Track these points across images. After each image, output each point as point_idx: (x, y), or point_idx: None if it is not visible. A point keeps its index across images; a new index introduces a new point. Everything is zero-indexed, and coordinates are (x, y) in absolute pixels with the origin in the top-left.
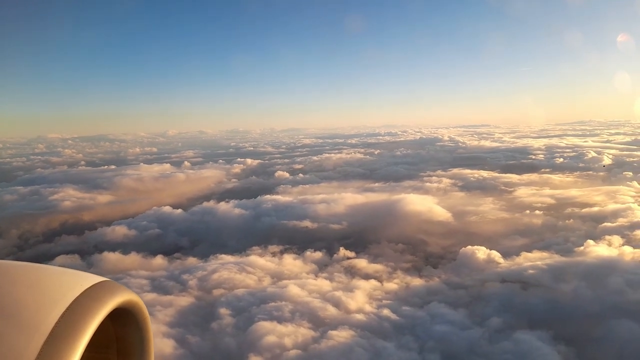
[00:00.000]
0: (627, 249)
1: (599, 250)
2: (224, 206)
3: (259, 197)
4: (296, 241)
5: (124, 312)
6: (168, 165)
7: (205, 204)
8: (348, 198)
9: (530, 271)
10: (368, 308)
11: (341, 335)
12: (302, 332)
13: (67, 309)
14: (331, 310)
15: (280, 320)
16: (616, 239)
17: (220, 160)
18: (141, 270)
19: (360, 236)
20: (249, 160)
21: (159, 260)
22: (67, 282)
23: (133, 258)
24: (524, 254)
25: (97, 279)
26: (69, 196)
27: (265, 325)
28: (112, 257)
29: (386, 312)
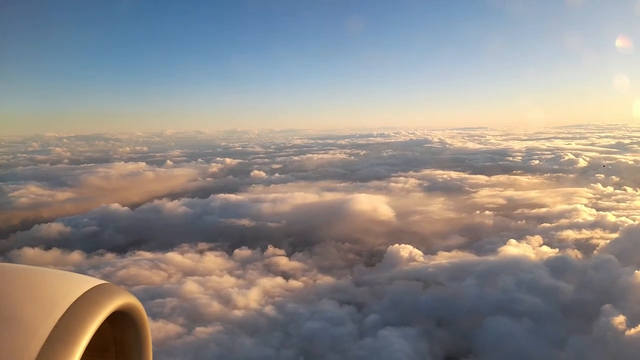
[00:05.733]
0: (545, 249)
1: (511, 250)
2: (170, 204)
3: (210, 195)
4: (230, 239)
5: (122, 315)
6: (143, 163)
7: (156, 201)
8: (298, 197)
9: (430, 270)
10: (253, 305)
11: (205, 332)
12: (169, 328)
13: (66, 311)
14: (215, 307)
15: (155, 316)
16: (537, 239)
17: (200, 159)
18: (50, 266)
19: (299, 234)
20: (228, 160)
21: (76, 256)
22: (66, 285)
23: (53, 254)
24: (441, 253)
25: (96, 282)
26: (28, 193)
27: None
28: (31, 253)
29: (269, 309)
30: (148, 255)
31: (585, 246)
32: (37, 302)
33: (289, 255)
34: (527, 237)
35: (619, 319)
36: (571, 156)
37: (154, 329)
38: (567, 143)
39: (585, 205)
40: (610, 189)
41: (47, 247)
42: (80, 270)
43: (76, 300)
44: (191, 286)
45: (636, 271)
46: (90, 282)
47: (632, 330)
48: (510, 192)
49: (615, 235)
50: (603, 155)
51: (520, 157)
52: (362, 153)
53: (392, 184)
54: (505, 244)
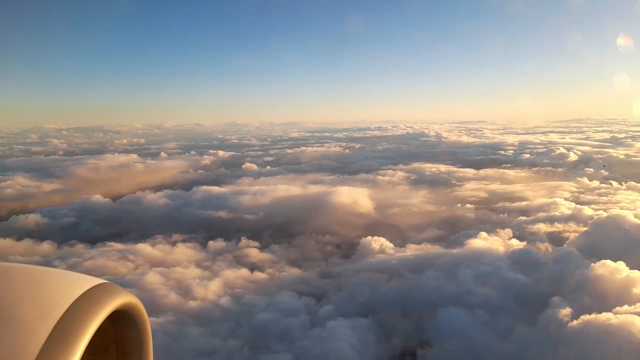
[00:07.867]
0: (514, 242)
1: (478, 242)
2: (151, 196)
3: (194, 187)
4: (207, 231)
5: (123, 314)
6: (135, 155)
7: (139, 193)
8: (280, 190)
9: (394, 262)
10: (211, 296)
11: (156, 322)
12: None
13: (66, 311)
14: (172, 298)
15: None
16: (507, 232)
17: (192, 152)
18: (18, 256)
19: (279, 227)
20: (220, 152)
21: (46, 247)
22: (67, 284)
23: (24, 245)
24: (410, 245)
25: (97, 281)
26: (15, 184)
27: None
28: (1, 243)
29: (225, 300)
30: (118, 246)
31: (556, 239)
32: (37, 302)
33: (264, 247)
34: (498, 230)
35: (565, 311)
36: (562, 150)
37: None
38: (561, 137)
39: (566, 199)
40: (595, 183)
41: (21, 238)
42: (46, 261)
43: (76, 300)
44: (153, 277)
45: (592, 264)
46: (90, 281)
47: (575, 322)
48: (495, 186)
49: (585, 229)
50: (595, 149)
51: (512, 151)
52: (357, 146)
53: (380, 177)
54: (477, 236)
